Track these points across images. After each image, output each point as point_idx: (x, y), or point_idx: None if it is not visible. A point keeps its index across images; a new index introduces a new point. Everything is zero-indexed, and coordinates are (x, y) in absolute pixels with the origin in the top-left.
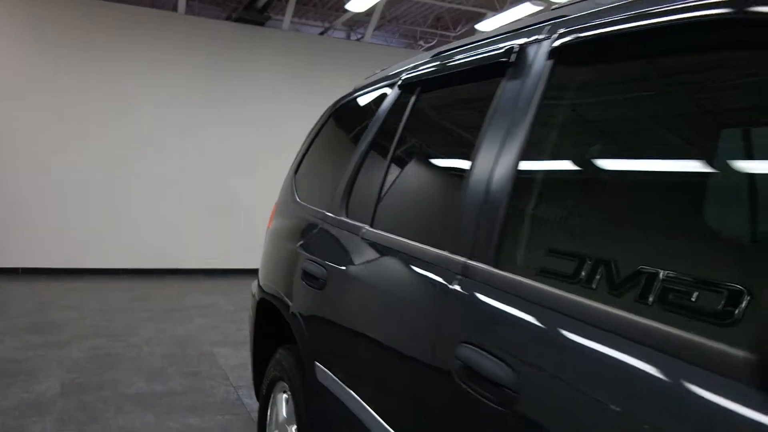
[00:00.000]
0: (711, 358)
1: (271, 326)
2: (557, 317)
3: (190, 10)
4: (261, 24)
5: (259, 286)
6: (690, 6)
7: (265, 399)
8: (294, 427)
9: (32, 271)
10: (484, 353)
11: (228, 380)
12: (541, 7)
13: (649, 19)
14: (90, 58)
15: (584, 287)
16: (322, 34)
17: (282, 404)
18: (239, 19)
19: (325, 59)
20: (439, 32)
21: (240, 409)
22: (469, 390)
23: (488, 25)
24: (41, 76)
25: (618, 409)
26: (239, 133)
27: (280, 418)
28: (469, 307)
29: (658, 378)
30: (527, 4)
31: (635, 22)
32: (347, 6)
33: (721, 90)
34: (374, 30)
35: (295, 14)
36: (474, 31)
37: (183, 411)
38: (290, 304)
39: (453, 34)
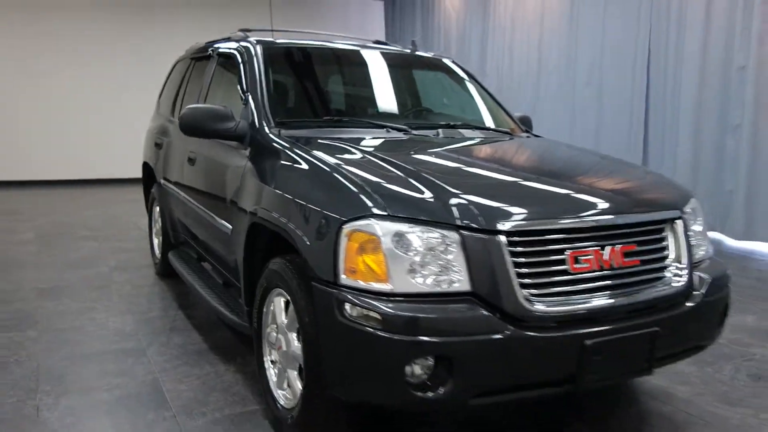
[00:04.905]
0: None
1: (149, 177)
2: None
3: None
4: None
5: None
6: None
7: (149, 213)
8: (159, 221)
9: None
10: (192, 154)
11: (143, 231)
12: None
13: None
14: None
15: None
16: None
17: (156, 211)
18: None
19: None
20: None
21: (146, 240)
22: (189, 160)
23: None
24: None
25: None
26: (161, 54)
27: (155, 216)
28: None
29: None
30: None
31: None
32: None
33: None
34: None
35: None
36: None
37: (114, 240)
38: (153, 161)
39: None
